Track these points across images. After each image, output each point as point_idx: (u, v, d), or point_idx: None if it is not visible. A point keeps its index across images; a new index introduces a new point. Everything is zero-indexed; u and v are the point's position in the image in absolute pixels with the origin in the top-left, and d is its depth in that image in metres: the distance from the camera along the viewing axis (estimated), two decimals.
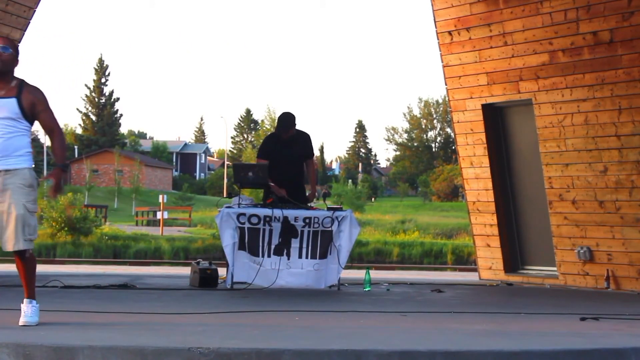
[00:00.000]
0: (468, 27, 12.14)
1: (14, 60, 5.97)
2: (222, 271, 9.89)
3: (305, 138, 10.18)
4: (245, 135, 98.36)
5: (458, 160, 13.18)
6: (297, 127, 10.12)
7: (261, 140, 10.79)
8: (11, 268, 16.22)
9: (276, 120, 10.49)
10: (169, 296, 8.64)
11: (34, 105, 5.92)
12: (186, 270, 12.24)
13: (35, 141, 75.77)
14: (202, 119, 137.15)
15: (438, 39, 12.58)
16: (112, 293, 8.75)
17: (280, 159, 9.88)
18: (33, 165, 6.00)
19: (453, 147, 72.29)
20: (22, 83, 5.96)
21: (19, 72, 6.08)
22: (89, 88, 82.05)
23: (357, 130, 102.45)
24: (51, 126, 6.03)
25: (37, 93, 5.97)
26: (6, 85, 5.90)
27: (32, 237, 5.87)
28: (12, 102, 5.85)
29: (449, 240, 40.02)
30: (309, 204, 9.99)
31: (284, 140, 10.02)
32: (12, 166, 5.82)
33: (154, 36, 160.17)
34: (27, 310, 5.80)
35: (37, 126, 6.27)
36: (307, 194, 10.19)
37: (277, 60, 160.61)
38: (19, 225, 5.79)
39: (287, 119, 10.02)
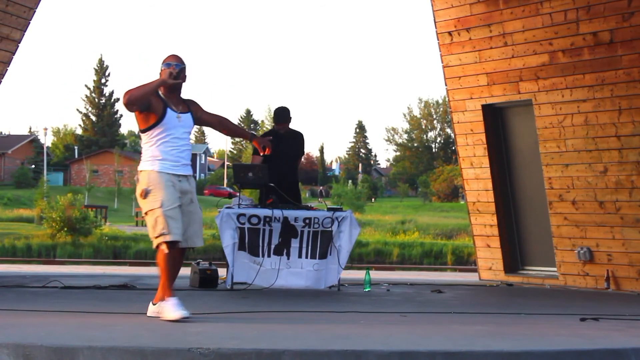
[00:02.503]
0: (468, 28, 12.14)
1: None
2: (222, 271, 9.89)
3: (299, 137, 10.30)
4: None
5: (458, 161, 13.17)
6: (295, 127, 10.31)
7: None
8: (11, 268, 16.17)
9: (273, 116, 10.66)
10: None
11: (197, 113, 6.49)
12: (186, 271, 12.20)
13: (35, 142, 75.78)
14: None
15: (438, 40, 12.59)
16: (112, 293, 8.74)
17: (276, 154, 9.94)
18: None
19: (453, 148, 72.29)
20: (183, 98, 6.49)
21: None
22: (89, 89, 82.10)
23: (357, 130, 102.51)
24: (217, 118, 6.69)
25: (194, 102, 6.52)
26: (179, 101, 6.39)
27: None
28: (189, 117, 6.41)
29: (449, 240, 40.03)
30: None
31: (281, 136, 10.12)
32: (190, 172, 6.51)
33: (154, 36, 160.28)
34: (174, 303, 6.13)
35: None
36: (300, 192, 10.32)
37: (277, 60, 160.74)
38: (201, 224, 6.46)
39: (283, 112, 10.28)
